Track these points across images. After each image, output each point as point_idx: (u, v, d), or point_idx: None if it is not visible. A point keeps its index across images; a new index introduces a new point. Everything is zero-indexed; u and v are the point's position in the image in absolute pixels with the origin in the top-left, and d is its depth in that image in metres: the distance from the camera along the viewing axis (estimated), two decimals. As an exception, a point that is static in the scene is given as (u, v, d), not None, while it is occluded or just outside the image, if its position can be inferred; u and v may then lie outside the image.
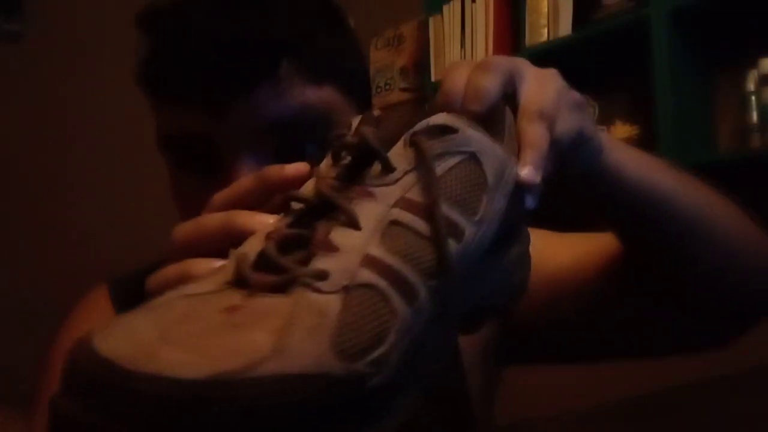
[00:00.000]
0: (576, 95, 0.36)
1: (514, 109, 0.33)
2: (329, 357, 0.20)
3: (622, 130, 1.64)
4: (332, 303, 0.22)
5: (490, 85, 0.31)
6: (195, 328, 0.21)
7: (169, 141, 0.44)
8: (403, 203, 0.25)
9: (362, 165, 0.27)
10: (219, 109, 0.41)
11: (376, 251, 0.24)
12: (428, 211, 0.25)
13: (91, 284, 0.60)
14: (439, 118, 0.28)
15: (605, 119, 1.74)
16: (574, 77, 1.45)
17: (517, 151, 0.31)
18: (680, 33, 1.48)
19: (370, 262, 0.24)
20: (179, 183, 0.45)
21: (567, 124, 0.33)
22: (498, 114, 0.32)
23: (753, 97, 1.41)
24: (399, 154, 0.27)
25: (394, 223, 0.25)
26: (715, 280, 0.47)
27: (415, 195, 0.26)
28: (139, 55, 0.46)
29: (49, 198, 2.13)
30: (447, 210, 0.26)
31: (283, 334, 0.20)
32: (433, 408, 0.52)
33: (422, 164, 0.26)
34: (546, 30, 1.75)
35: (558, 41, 1.71)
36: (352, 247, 0.24)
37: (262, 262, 0.24)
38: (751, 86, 1.41)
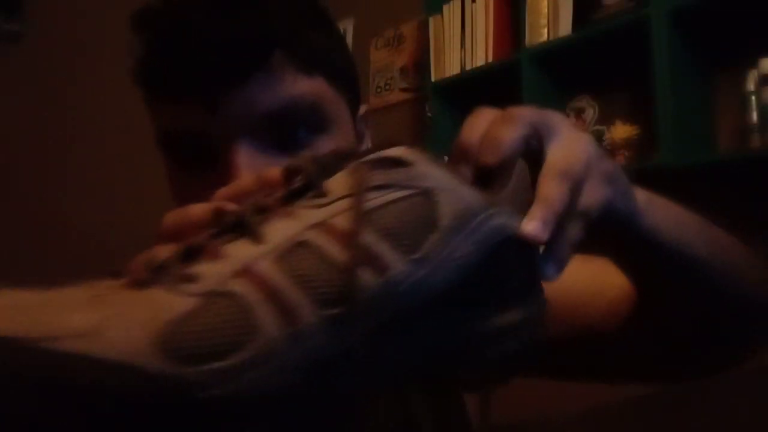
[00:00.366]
0: (610, 166, 0.34)
1: (538, 166, 0.31)
2: (149, 352, 0.20)
3: (622, 130, 1.64)
4: (182, 303, 0.21)
5: (509, 137, 0.31)
6: (42, 303, 0.21)
7: (166, 138, 0.45)
8: (323, 227, 0.24)
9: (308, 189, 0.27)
10: (213, 102, 0.41)
11: (264, 266, 0.23)
12: (346, 238, 0.24)
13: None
14: (394, 151, 0.27)
15: (605, 119, 1.74)
16: (574, 77, 1.46)
17: (525, 207, 0.29)
18: (680, 33, 1.48)
19: (248, 273, 0.23)
20: (178, 181, 0.46)
21: (596, 195, 0.32)
22: (509, 164, 0.30)
23: (753, 97, 1.41)
24: (339, 182, 0.26)
25: (303, 244, 0.24)
26: (728, 327, 0.47)
27: (340, 221, 0.24)
28: (135, 54, 0.46)
29: (48, 198, 2.13)
30: (371, 240, 0.24)
31: (109, 321, 0.20)
32: (427, 403, 0.52)
33: (354, 191, 0.25)
34: (546, 30, 1.75)
35: (558, 41, 1.71)
36: (238, 258, 0.23)
37: (161, 264, 0.24)
38: (751, 86, 1.41)
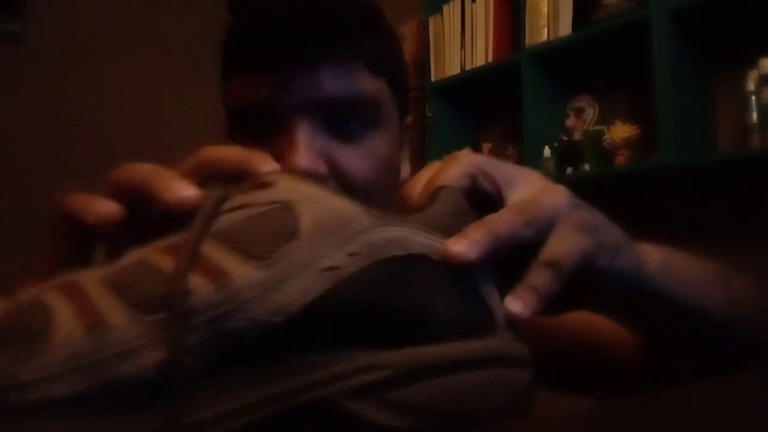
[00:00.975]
0: (589, 217, 0.30)
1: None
2: None
3: (622, 130, 1.64)
4: None
5: (443, 173, 0.30)
6: None
7: (239, 107, 0.48)
8: (165, 247, 0.23)
9: None
10: (286, 78, 0.45)
11: (85, 280, 0.22)
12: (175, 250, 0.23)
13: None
14: (265, 177, 0.26)
15: (605, 119, 1.74)
16: (574, 77, 1.46)
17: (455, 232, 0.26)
18: (680, 33, 1.48)
19: (64, 286, 0.22)
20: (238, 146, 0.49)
21: (567, 243, 0.28)
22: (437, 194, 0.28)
23: (753, 97, 1.41)
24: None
25: (141, 261, 0.23)
26: (729, 363, 0.46)
27: (179, 240, 0.23)
28: (225, 29, 0.50)
29: (48, 198, 2.13)
30: (208, 250, 0.22)
31: None
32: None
33: (214, 212, 0.24)
34: (546, 30, 1.75)
35: (558, 41, 1.71)
36: (63, 278, 0.23)
37: None
38: (751, 86, 1.41)
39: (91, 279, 0.22)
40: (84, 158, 2.23)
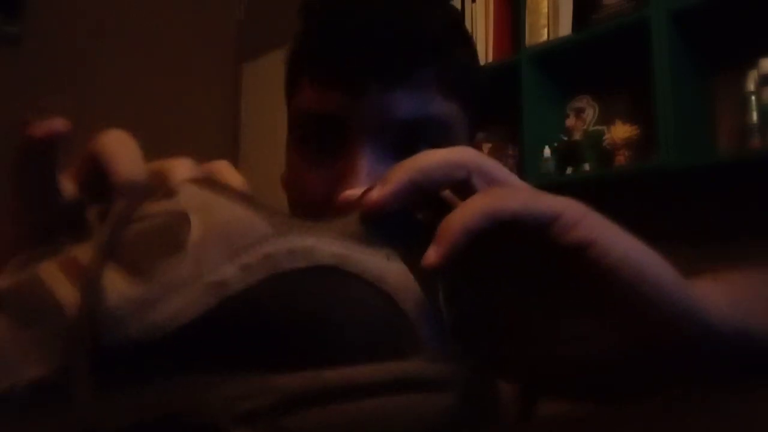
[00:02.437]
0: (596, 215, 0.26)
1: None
2: None
3: (622, 130, 1.64)
4: None
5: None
6: None
7: (306, 117, 0.47)
8: (60, 261, 0.22)
9: None
10: (359, 96, 0.44)
11: None
12: (74, 266, 0.22)
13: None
14: (173, 185, 0.25)
15: (605, 119, 1.74)
16: (574, 77, 1.46)
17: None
18: (680, 33, 1.48)
19: None
20: (300, 158, 0.48)
21: (505, 194, 0.25)
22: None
23: (753, 97, 1.41)
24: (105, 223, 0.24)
25: (30, 279, 0.22)
26: None
27: (80, 254, 0.22)
28: (297, 34, 0.49)
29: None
30: (94, 265, 0.21)
31: None
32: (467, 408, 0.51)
33: (110, 224, 0.23)
34: (546, 30, 1.75)
35: (558, 41, 1.71)
36: None
37: None
38: (751, 86, 1.41)
39: None
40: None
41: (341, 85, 0.44)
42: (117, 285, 0.20)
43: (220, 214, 0.22)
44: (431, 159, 0.26)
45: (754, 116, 1.40)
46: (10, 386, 0.19)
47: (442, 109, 0.46)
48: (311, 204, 0.46)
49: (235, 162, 2.52)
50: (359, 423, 0.20)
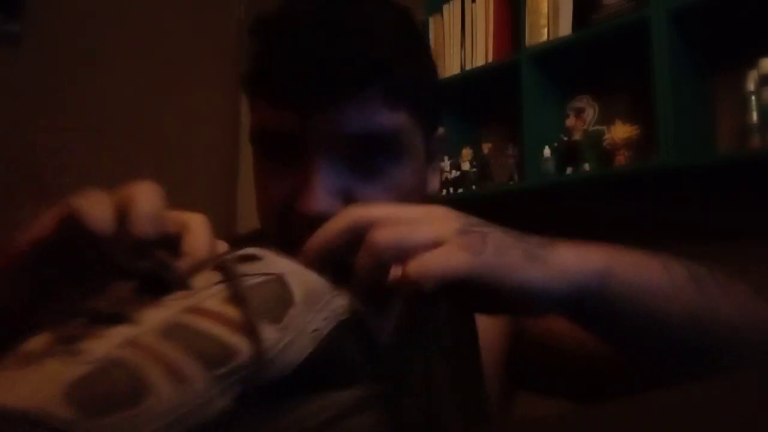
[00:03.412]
0: (472, 240, 0.34)
1: None
2: (57, 403, 0.22)
3: (622, 130, 1.64)
4: (78, 369, 0.24)
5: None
6: None
7: (261, 134, 0.51)
8: (195, 310, 0.28)
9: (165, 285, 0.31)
10: (309, 114, 0.47)
11: (146, 339, 0.26)
12: (219, 314, 0.28)
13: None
14: (249, 251, 0.32)
15: (605, 119, 1.74)
16: (574, 77, 1.45)
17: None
18: (680, 33, 1.48)
19: (132, 344, 0.26)
20: (262, 171, 0.52)
21: (435, 260, 0.33)
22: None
23: (753, 97, 1.41)
24: (204, 277, 0.31)
25: (178, 324, 0.27)
26: (712, 365, 0.44)
27: (209, 304, 0.28)
28: (247, 59, 0.52)
29: (48, 199, 2.13)
30: (232, 311, 0.28)
31: (19, 379, 0.23)
32: (446, 365, 0.54)
33: (229, 278, 0.30)
34: (546, 30, 1.75)
35: (558, 41, 1.71)
36: (119, 335, 0.26)
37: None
38: (751, 86, 1.41)
39: (151, 338, 0.26)
40: (83, 159, 2.23)
41: (292, 105, 0.47)
42: (266, 333, 0.27)
43: (306, 278, 0.30)
44: (326, 234, 0.35)
45: (754, 116, 1.40)
46: (205, 416, 0.25)
47: (389, 121, 0.48)
48: (273, 213, 0.50)
49: (235, 161, 2.52)
50: None
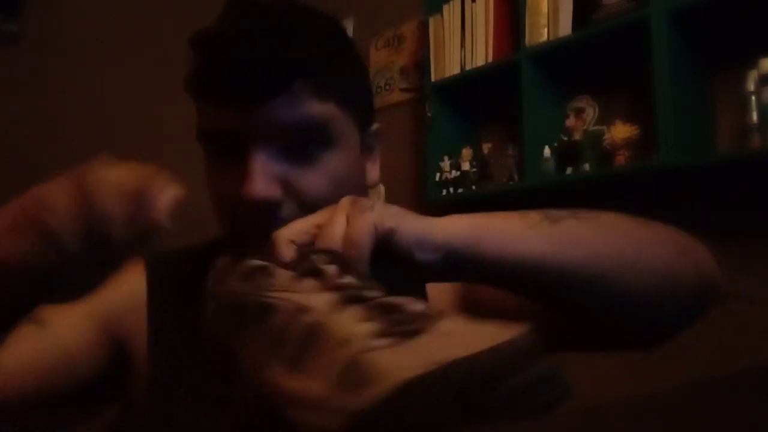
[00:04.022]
0: (363, 202, 0.43)
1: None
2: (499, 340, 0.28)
3: (622, 130, 1.64)
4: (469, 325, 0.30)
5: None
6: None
7: (207, 133, 0.56)
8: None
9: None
10: (244, 110, 0.52)
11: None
12: None
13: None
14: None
15: (605, 119, 1.74)
16: (574, 77, 1.45)
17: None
18: (680, 33, 1.48)
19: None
20: (211, 168, 0.57)
21: (354, 222, 0.42)
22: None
23: (753, 97, 1.40)
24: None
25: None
26: (648, 316, 0.50)
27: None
28: (189, 67, 0.56)
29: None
30: None
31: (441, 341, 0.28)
32: None
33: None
34: (546, 30, 1.75)
35: (558, 41, 1.71)
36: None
37: (383, 306, 0.32)
38: (751, 86, 1.41)
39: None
40: (84, 158, 2.23)
41: (230, 102, 0.52)
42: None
43: None
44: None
45: (754, 116, 1.40)
46: None
47: (318, 110, 0.53)
48: (223, 203, 0.55)
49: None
50: None
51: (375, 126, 0.63)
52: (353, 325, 0.29)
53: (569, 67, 1.77)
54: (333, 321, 0.30)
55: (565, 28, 1.71)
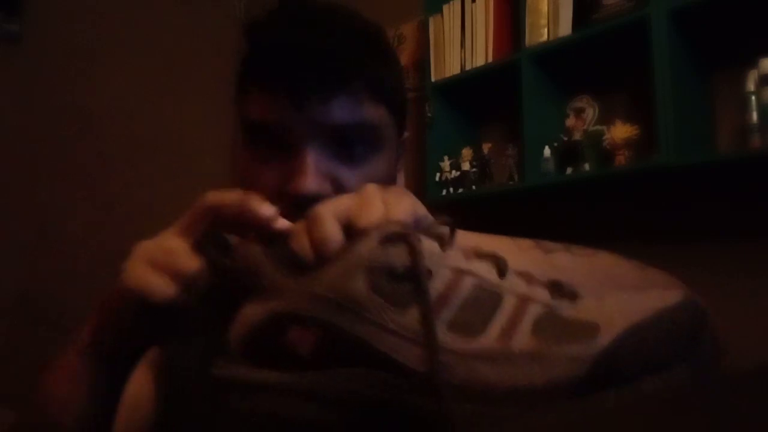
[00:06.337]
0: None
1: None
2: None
3: (622, 130, 1.64)
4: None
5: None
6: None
7: (256, 125, 0.54)
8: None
9: None
10: (301, 105, 0.51)
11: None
12: None
13: (83, 284, 0.60)
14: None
15: (605, 119, 1.74)
16: (574, 77, 1.45)
17: None
18: (680, 33, 1.48)
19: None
20: (252, 158, 0.55)
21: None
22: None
23: (753, 97, 1.40)
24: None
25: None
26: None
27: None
28: (242, 53, 0.55)
29: (48, 197, 2.13)
30: None
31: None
32: None
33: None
34: (546, 30, 1.75)
35: (558, 41, 1.71)
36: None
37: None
38: (751, 86, 1.41)
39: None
40: (84, 158, 2.23)
41: (286, 96, 0.51)
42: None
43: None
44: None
45: (754, 116, 1.40)
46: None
47: (372, 113, 0.53)
48: (265, 194, 0.52)
49: (235, 160, 2.52)
50: None
51: (406, 134, 0.64)
52: (525, 287, 0.30)
53: (569, 67, 1.77)
54: (503, 283, 0.30)
55: (565, 28, 1.71)
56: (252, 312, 0.32)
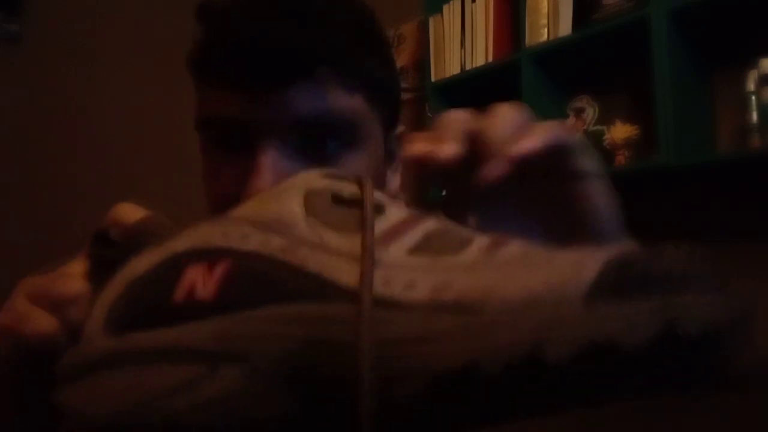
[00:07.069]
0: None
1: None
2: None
3: (622, 130, 1.64)
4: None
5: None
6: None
7: (207, 121, 0.48)
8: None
9: None
10: (258, 97, 0.44)
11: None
12: None
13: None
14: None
15: (605, 119, 1.74)
16: (574, 77, 1.45)
17: None
18: (680, 33, 1.48)
19: None
20: (209, 160, 0.49)
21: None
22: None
23: (753, 97, 1.41)
24: None
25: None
26: None
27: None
28: (193, 41, 0.48)
29: (48, 197, 2.13)
30: None
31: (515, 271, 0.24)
32: None
33: None
34: (546, 30, 1.75)
35: (558, 41, 1.71)
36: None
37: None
38: (751, 86, 1.41)
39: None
40: (84, 157, 2.23)
41: (240, 87, 0.45)
42: None
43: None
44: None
45: (754, 116, 1.40)
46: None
47: (343, 104, 0.45)
48: (223, 199, 0.47)
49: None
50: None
51: (400, 129, 0.56)
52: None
53: (569, 67, 1.77)
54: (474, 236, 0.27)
55: (565, 28, 1.71)
56: (136, 263, 0.26)
